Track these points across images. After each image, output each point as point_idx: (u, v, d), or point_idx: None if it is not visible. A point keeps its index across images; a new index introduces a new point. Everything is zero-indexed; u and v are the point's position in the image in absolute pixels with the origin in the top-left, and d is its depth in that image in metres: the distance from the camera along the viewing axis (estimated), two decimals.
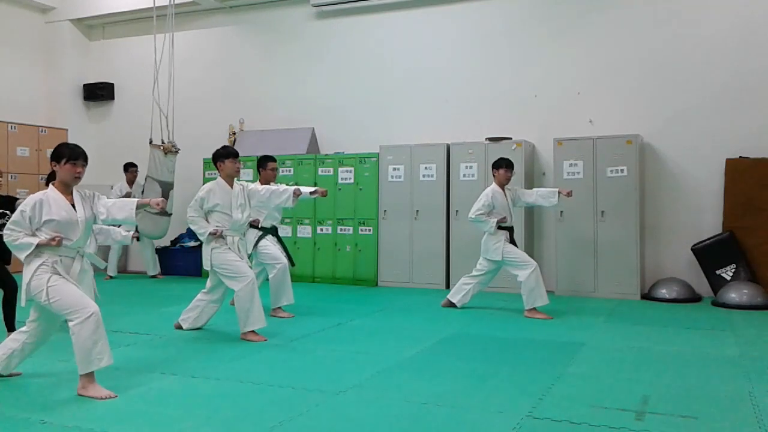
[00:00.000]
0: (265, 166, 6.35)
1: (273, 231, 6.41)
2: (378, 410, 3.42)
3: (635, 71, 7.92)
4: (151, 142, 9.03)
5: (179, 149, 9.17)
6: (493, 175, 6.54)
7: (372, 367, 4.27)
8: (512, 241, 6.46)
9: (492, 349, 4.87)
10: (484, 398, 3.62)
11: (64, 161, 3.78)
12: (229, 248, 5.24)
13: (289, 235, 8.89)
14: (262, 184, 6.06)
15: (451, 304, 6.62)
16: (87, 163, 3.86)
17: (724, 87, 7.54)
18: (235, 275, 5.16)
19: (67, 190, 3.81)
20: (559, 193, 6.47)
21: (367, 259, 8.55)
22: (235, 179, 5.44)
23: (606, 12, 8.10)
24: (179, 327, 5.49)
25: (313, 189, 6.04)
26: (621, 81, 7.99)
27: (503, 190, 6.47)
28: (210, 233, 5.19)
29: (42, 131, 10.33)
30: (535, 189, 6.83)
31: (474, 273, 6.57)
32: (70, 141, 10.67)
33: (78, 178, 3.84)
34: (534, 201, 6.60)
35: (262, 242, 6.21)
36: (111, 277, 9.32)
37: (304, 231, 8.87)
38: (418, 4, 9.07)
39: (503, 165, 6.46)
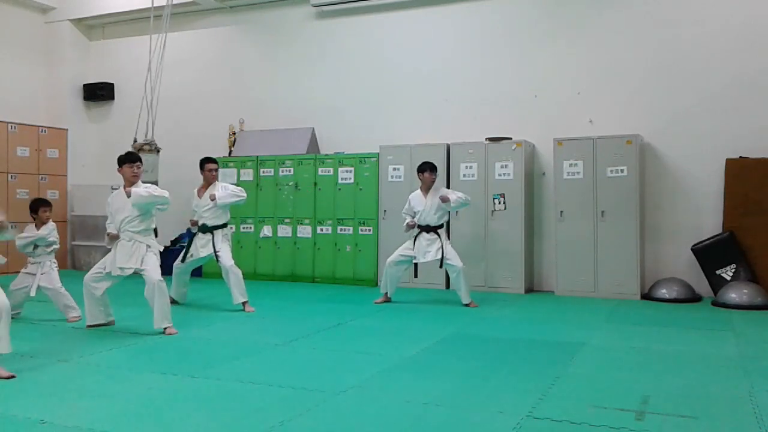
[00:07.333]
0: (203, 168, 6.81)
1: (203, 228, 6.76)
2: (378, 410, 3.42)
3: (635, 71, 7.92)
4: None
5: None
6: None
7: (372, 367, 4.27)
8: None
9: (492, 349, 4.87)
10: (484, 398, 3.62)
11: None
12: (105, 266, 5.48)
13: (290, 235, 8.89)
14: (203, 185, 6.80)
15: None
16: None
17: (724, 87, 7.53)
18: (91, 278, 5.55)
19: None
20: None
21: (367, 259, 8.54)
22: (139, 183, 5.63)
23: (606, 12, 8.10)
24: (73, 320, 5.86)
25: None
26: (621, 81, 7.98)
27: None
28: (107, 234, 5.56)
29: (42, 131, 10.33)
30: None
31: None
32: (70, 141, 10.77)
33: None
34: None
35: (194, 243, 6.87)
36: None
37: (304, 231, 8.87)
38: (418, 4, 9.06)
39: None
